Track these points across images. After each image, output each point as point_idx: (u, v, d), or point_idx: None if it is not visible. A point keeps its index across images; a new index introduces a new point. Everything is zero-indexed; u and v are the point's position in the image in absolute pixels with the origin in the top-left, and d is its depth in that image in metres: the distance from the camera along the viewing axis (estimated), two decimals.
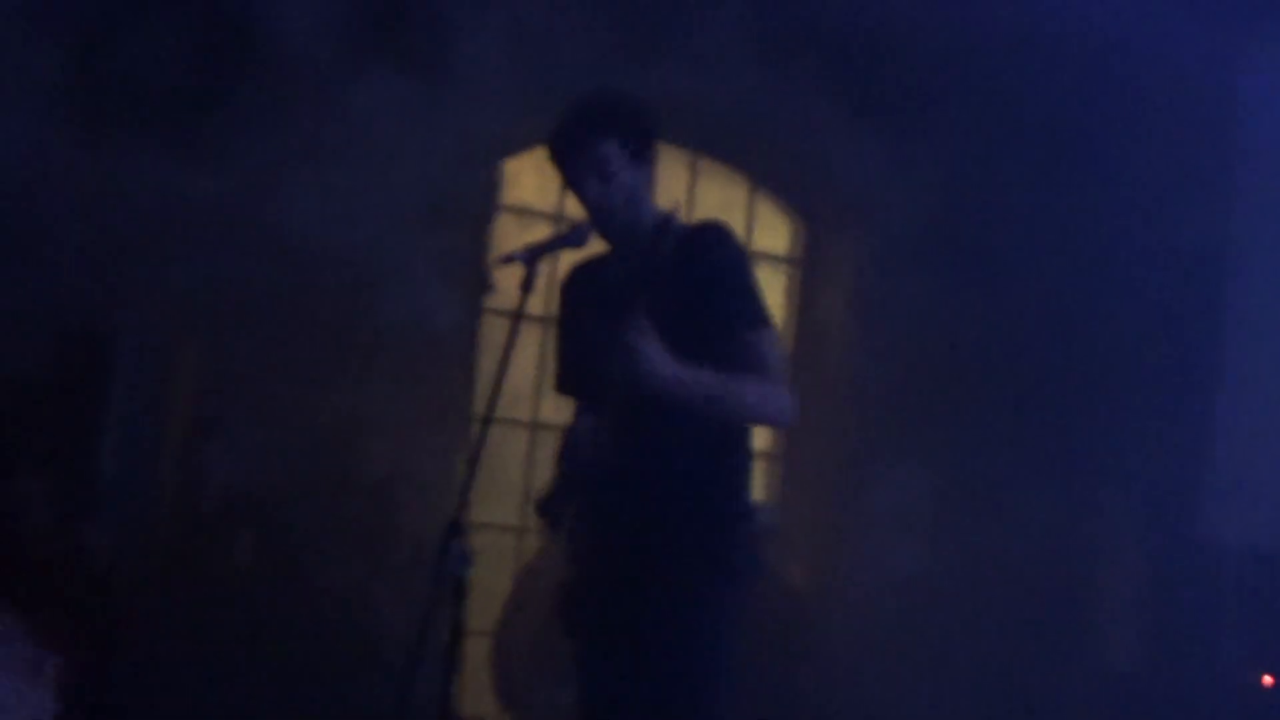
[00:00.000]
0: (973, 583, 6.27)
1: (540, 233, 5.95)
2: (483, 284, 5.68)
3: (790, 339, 6.58)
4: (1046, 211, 6.48)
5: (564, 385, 3.35)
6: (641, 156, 3.16)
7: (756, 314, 3.12)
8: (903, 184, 6.40)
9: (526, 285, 2.97)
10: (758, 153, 6.43)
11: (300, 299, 5.46)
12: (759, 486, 6.42)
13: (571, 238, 3.11)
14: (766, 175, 6.56)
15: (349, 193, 5.52)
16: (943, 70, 6.36)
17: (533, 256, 3.02)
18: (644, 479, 3.08)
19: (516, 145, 5.92)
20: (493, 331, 5.83)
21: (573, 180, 3.17)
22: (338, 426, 5.50)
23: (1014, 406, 6.42)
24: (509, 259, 2.98)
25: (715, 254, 3.07)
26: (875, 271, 6.42)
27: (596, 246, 3.31)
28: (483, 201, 5.88)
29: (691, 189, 6.47)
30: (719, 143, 6.40)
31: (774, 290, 6.58)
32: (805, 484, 6.47)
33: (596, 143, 3.10)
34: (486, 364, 5.78)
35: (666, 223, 3.16)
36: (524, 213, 6.16)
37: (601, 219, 3.15)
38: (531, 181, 6.09)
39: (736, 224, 6.17)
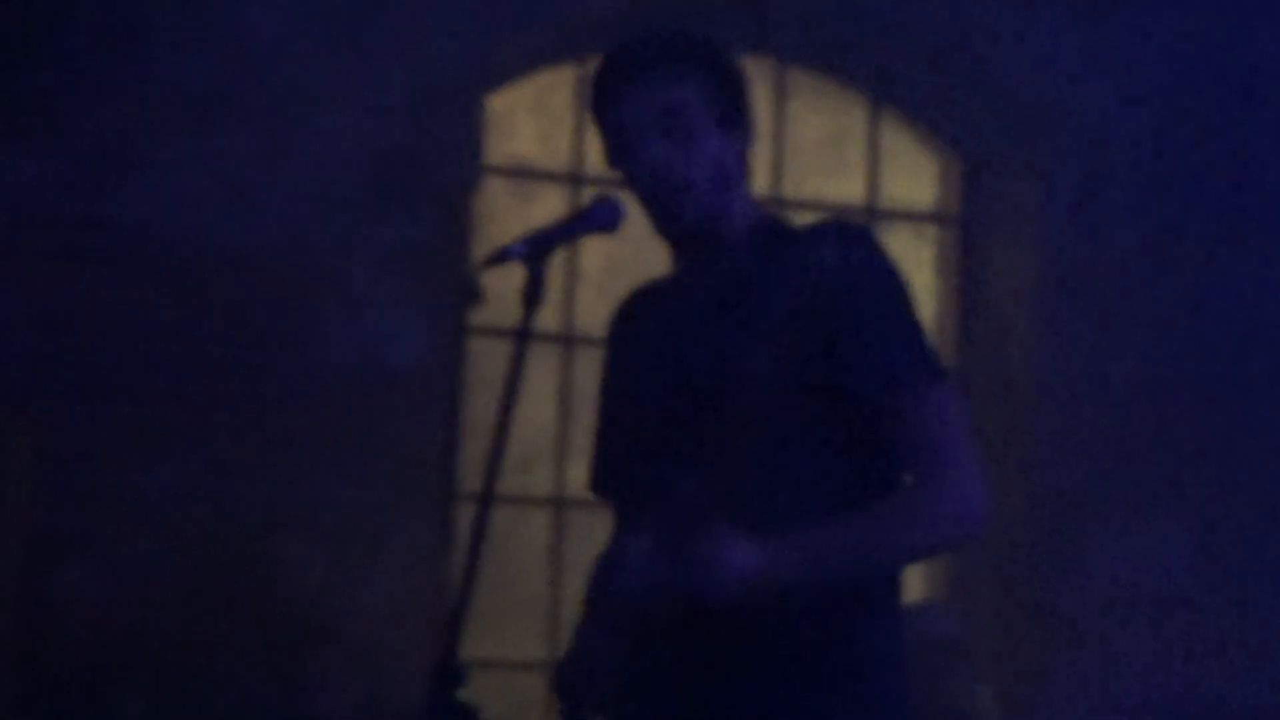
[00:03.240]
0: (1259, 706, 6.16)
1: (549, 206, 6.01)
2: (465, 292, 5.73)
3: (946, 339, 6.50)
4: None
5: (605, 482, 3.21)
6: (730, 121, 3.03)
7: (922, 365, 2.94)
8: (1112, 98, 6.30)
9: (532, 293, 2.79)
10: (881, 58, 6.36)
11: (188, 337, 5.45)
12: (924, 579, 6.34)
13: (596, 216, 2.94)
14: (897, 92, 6.47)
15: (248, 167, 5.52)
16: None
17: (538, 249, 2.84)
18: (736, 643, 2.90)
19: (505, 72, 5.92)
20: (486, 364, 5.86)
21: (624, 139, 3.03)
22: (255, 528, 5.48)
23: None
24: (502, 256, 2.82)
25: (856, 276, 2.89)
26: (1073, 232, 6.30)
27: (652, 253, 3.22)
28: (457, 162, 5.77)
29: (778, 117, 6.37)
30: (818, 46, 6.33)
31: (919, 264, 6.49)
32: (995, 567, 6.30)
33: (667, 84, 2.99)
34: (478, 413, 5.82)
35: (773, 226, 3.09)
36: (523, 175, 6.11)
37: (665, 195, 2.99)
38: (531, 127, 6.11)
39: (853, 167, 6.49)
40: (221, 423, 5.45)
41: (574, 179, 6.07)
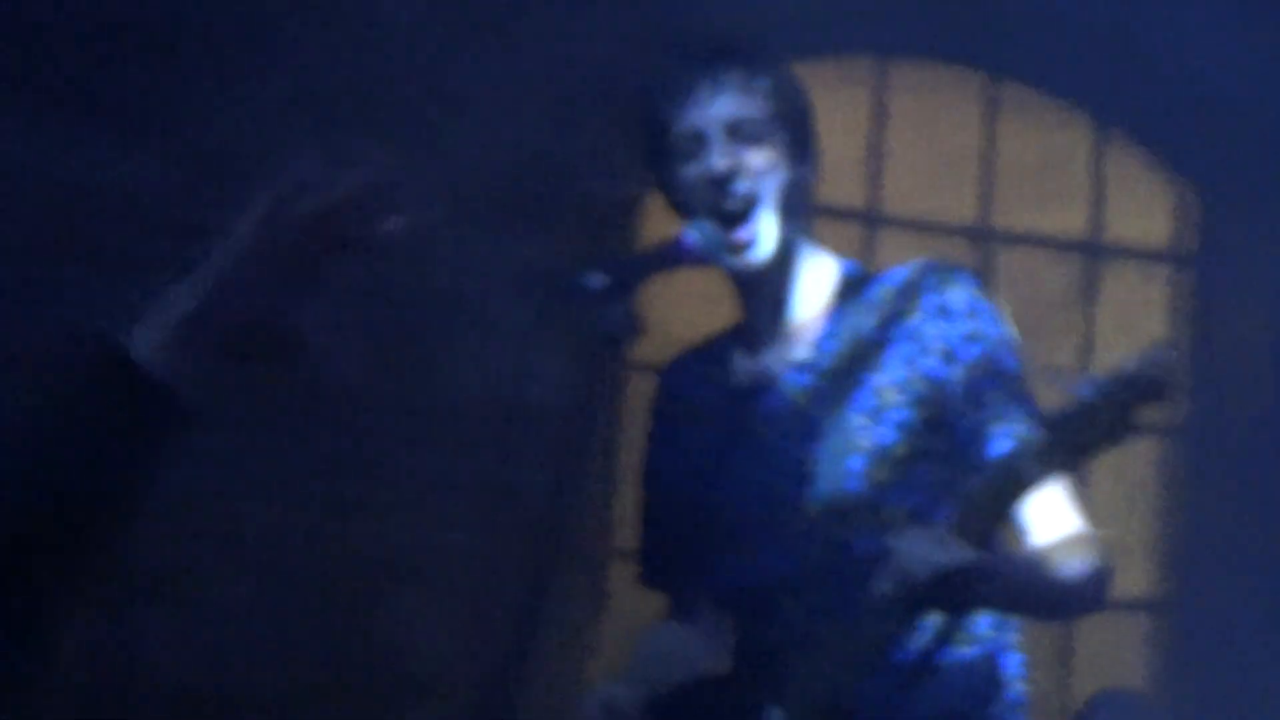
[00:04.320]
0: None
1: None
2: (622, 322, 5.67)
3: (1178, 395, 6.13)
4: None
5: (660, 574, 3.29)
6: (798, 150, 3.07)
7: (1043, 444, 2.89)
8: None
9: (619, 329, 2.80)
10: (1108, 73, 6.09)
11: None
12: (1128, 664, 6.10)
13: (671, 253, 2.91)
14: (1124, 113, 6.23)
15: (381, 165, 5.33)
16: None
17: (623, 280, 2.80)
18: None
19: None
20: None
21: (685, 146, 3.03)
22: (367, 576, 5.33)
23: None
24: (572, 286, 2.82)
25: (968, 335, 2.98)
26: None
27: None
28: (615, 176, 5.57)
29: (987, 136, 6.15)
30: (1035, 58, 6.07)
31: (1147, 308, 6.31)
32: (1213, 654, 6.04)
33: (738, 92, 3.03)
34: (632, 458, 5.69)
35: (855, 277, 3.12)
36: None
37: (732, 206, 2.98)
38: None
39: (1073, 196, 6.29)
40: (339, 457, 5.32)
41: None
